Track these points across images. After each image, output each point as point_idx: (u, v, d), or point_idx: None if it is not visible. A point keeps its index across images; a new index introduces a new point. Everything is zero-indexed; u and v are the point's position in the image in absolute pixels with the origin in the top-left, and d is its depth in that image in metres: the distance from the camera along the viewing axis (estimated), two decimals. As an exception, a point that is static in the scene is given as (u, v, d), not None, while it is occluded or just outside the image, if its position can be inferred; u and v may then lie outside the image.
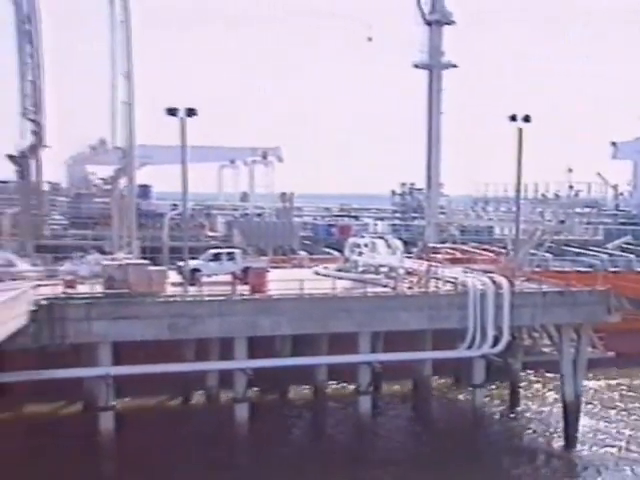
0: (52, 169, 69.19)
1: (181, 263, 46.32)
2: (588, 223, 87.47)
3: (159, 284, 41.76)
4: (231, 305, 41.10)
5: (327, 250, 67.80)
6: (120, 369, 39.46)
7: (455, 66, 79.81)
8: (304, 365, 46.47)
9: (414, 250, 62.94)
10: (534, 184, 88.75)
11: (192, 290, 42.55)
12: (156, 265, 44.48)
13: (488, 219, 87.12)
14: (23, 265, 46.83)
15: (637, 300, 54.79)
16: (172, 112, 44.21)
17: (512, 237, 55.74)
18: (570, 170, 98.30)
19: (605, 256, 70.08)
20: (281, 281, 42.95)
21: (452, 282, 46.11)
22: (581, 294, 45.84)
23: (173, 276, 45.00)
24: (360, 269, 51.80)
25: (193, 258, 48.59)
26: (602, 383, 56.64)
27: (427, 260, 53.38)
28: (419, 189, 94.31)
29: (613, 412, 51.19)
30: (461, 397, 52.11)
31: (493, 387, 51.88)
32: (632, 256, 71.58)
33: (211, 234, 70.13)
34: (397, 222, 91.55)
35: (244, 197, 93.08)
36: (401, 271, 48.57)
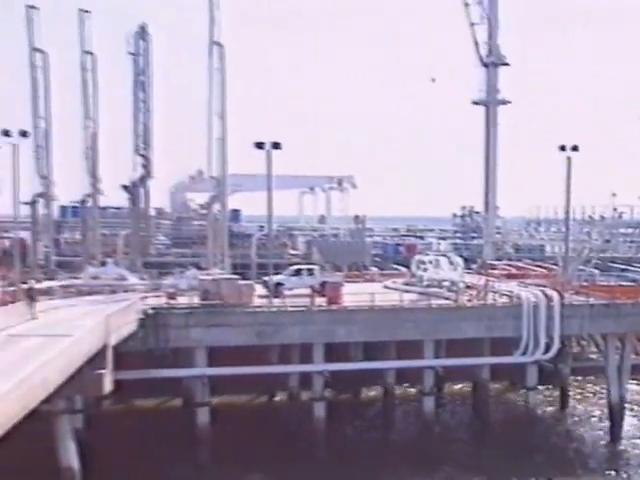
0: (158, 196, 71.02)
1: (266, 278, 46.80)
2: (631, 242, 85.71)
3: (248, 296, 42.13)
4: (310, 315, 41.28)
5: (395, 266, 67.45)
6: (214, 370, 39.82)
7: (509, 102, 79.77)
8: (375, 369, 46.43)
9: (473, 266, 62.36)
10: (581, 206, 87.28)
11: (276, 302, 42.84)
12: (245, 279, 44.75)
13: (540, 238, 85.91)
14: (133, 279, 47.90)
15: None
16: (259, 146, 44.78)
17: (562, 255, 54.92)
18: (614, 194, 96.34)
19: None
20: (354, 294, 43.04)
21: (508, 295, 45.57)
22: (625, 306, 44.83)
23: (260, 289, 45.41)
24: (425, 283, 51.32)
25: (277, 273, 49.05)
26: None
27: (485, 275, 52.93)
28: (477, 212, 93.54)
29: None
30: (516, 398, 51.19)
31: (545, 390, 51.02)
32: None
33: (293, 252, 70.45)
34: (458, 241, 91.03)
35: (322, 219, 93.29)
36: (462, 285, 48.03)
